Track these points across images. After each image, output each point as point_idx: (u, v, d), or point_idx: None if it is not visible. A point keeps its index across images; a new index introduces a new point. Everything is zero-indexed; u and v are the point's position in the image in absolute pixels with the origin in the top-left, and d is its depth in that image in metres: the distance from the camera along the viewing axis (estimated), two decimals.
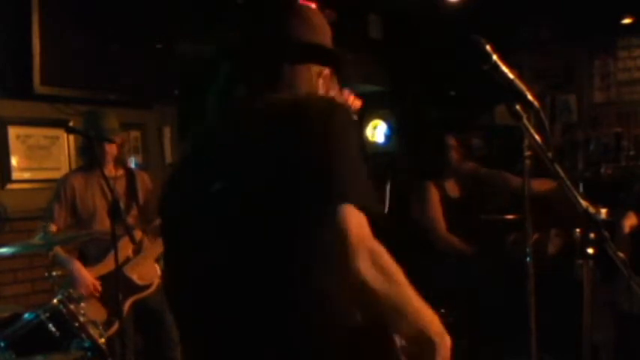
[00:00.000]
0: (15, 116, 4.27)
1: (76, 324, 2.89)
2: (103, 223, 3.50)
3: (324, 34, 1.44)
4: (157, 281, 3.70)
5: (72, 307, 2.91)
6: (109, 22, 4.40)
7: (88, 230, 3.54)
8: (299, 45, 1.38)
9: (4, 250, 2.99)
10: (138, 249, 3.61)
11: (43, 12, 4.08)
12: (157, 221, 3.74)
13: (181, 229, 1.37)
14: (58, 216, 3.53)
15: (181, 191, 1.39)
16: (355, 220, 1.13)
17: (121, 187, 3.63)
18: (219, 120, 1.40)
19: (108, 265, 3.45)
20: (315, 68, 1.39)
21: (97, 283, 3.46)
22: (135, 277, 3.59)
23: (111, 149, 3.58)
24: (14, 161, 4.27)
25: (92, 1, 4.36)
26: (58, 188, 3.58)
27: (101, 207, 3.56)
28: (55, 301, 2.92)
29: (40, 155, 4.39)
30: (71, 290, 3.08)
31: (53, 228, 3.48)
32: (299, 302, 1.20)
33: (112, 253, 3.25)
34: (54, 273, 3.59)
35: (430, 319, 1.17)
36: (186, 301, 1.38)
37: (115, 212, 3.15)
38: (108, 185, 3.27)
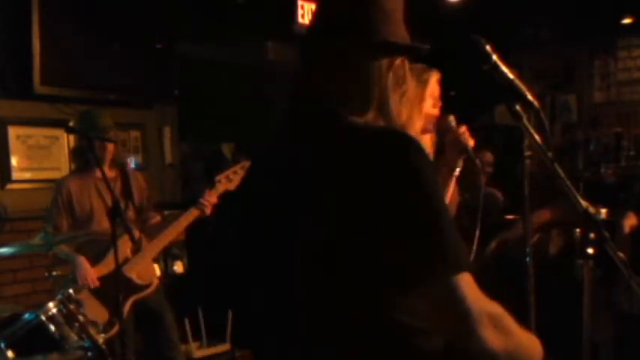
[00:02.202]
0: (15, 116, 4.27)
1: (76, 324, 2.88)
2: (100, 224, 3.51)
3: (396, 18, 1.36)
4: (155, 281, 3.70)
5: (72, 307, 2.90)
6: (109, 22, 4.40)
7: (87, 230, 3.54)
8: (367, 44, 1.32)
9: (4, 250, 2.99)
10: (136, 249, 3.61)
11: (43, 12, 4.08)
12: (153, 220, 3.75)
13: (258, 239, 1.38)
14: (58, 221, 3.53)
15: (257, 204, 1.39)
16: (470, 290, 1.15)
17: (117, 187, 3.62)
18: (290, 134, 1.37)
19: (108, 266, 3.46)
20: (385, 62, 1.33)
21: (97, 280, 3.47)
22: (134, 277, 3.59)
23: (110, 149, 3.58)
24: (14, 161, 4.27)
25: (92, 1, 4.36)
26: (55, 193, 3.58)
27: (98, 208, 3.56)
28: (54, 301, 2.92)
29: (40, 155, 4.40)
30: (71, 290, 3.08)
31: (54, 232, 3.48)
32: (381, 317, 1.23)
33: (111, 253, 3.26)
34: (54, 273, 3.59)
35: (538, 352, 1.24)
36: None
37: (115, 212, 3.14)
38: (108, 186, 3.26)
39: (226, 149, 6.29)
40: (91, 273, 3.43)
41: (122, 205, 3.55)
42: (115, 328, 3.35)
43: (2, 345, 2.73)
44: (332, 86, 1.31)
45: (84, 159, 3.58)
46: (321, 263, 1.24)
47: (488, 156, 4.63)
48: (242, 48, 5.40)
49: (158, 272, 3.84)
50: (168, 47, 4.77)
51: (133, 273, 3.59)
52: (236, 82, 5.55)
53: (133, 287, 3.58)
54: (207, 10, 4.87)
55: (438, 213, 1.17)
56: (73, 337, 2.86)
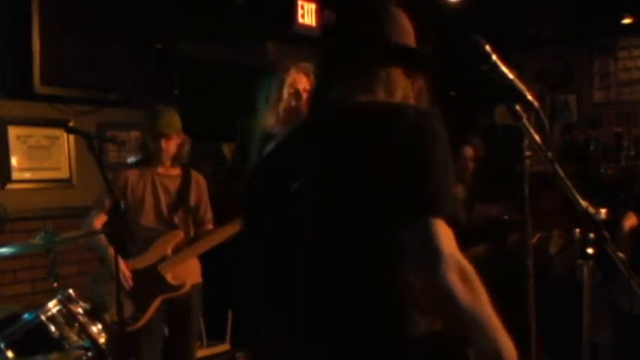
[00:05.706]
0: (15, 116, 4.27)
1: (76, 324, 2.89)
2: (148, 218, 3.54)
3: (411, 37, 1.48)
4: (189, 283, 3.63)
5: (72, 307, 2.91)
6: (109, 22, 4.40)
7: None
8: (396, 48, 1.42)
9: (4, 250, 2.99)
10: (177, 248, 3.60)
11: (43, 12, 4.08)
12: (209, 226, 3.74)
13: (262, 221, 1.44)
14: (107, 203, 3.51)
15: (263, 187, 1.46)
16: (446, 236, 1.20)
17: (174, 186, 3.62)
18: (313, 117, 1.47)
19: (144, 260, 3.50)
20: (409, 75, 1.45)
21: (130, 276, 3.49)
22: (168, 277, 3.57)
23: (168, 147, 3.57)
24: (14, 161, 4.27)
25: (92, 1, 4.36)
26: (113, 179, 3.56)
27: (149, 202, 3.56)
28: (54, 301, 2.92)
29: (40, 155, 4.39)
30: (70, 290, 3.08)
31: (103, 217, 3.53)
32: (380, 295, 1.27)
33: (153, 247, 3.47)
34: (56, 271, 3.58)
35: (507, 342, 1.23)
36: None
37: (115, 212, 3.15)
38: (108, 187, 3.25)
39: (226, 149, 6.29)
40: (126, 272, 3.45)
41: (175, 204, 3.60)
42: (139, 322, 3.43)
43: (2, 345, 2.74)
44: (348, 78, 1.41)
45: (147, 153, 3.61)
46: (323, 239, 1.29)
47: (469, 151, 4.58)
48: (242, 48, 5.39)
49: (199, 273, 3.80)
50: (168, 47, 4.77)
51: (169, 272, 3.57)
52: (236, 82, 5.55)
53: (164, 286, 3.56)
54: (207, 10, 4.87)
55: (438, 164, 1.24)
56: (73, 337, 2.87)
